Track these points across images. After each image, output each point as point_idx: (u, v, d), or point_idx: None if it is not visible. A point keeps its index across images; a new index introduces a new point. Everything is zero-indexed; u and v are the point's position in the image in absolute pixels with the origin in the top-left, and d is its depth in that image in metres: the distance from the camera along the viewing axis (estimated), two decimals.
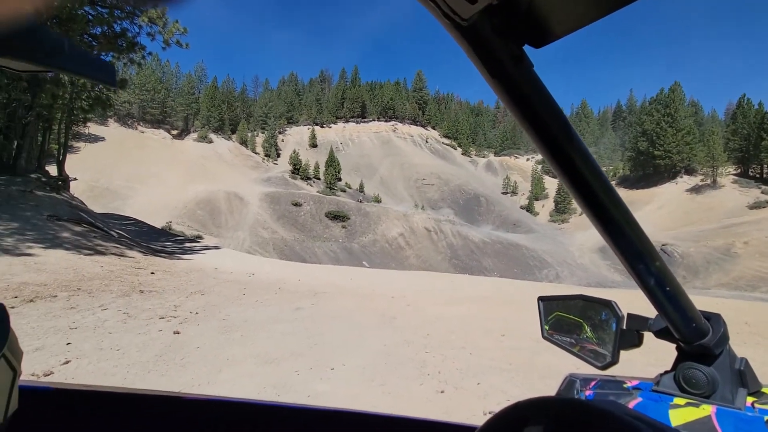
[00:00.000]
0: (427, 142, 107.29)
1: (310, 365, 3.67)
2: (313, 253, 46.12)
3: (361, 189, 75.85)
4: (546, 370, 3.94)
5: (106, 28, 14.44)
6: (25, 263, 6.98)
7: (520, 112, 0.46)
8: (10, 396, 0.37)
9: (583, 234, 59.12)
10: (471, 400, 3.22)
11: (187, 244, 16.27)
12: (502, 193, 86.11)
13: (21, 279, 6.25)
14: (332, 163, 77.35)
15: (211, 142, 76.39)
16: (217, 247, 16.84)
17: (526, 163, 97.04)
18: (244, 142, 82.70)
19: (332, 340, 4.52)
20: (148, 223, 21.48)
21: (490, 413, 2.98)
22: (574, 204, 69.57)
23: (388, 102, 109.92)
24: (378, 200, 70.08)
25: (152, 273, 8.34)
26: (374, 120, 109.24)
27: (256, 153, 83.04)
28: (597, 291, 12.85)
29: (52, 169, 16.37)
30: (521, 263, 51.85)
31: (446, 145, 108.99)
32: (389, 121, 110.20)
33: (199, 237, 32.33)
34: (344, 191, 73.91)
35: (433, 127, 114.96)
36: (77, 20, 12.71)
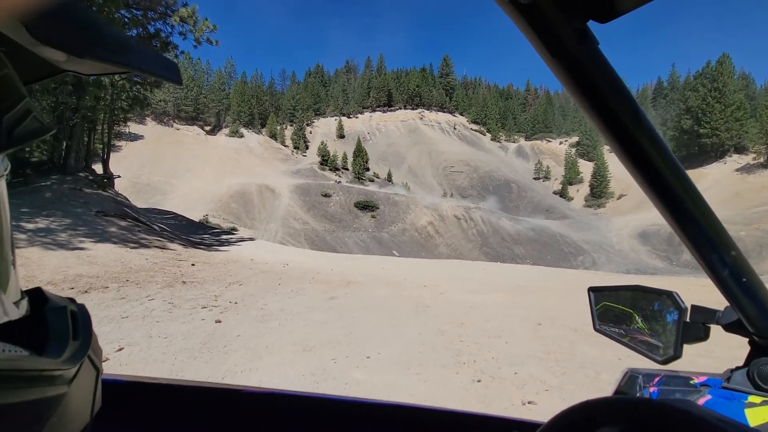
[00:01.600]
0: (455, 128, 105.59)
1: (347, 353, 3.74)
2: (343, 243, 46.75)
3: (389, 178, 75.83)
4: (586, 361, 3.84)
5: (141, 29, 14.98)
6: (79, 256, 7.46)
7: (584, 94, 0.43)
8: (95, 395, 0.37)
9: (622, 219, 56.73)
10: (509, 390, 3.19)
11: (224, 237, 16.87)
12: (534, 178, 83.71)
13: (76, 271, 6.69)
14: (360, 153, 77.58)
15: (242, 136, 78.33)
16: (251, 239, 17.36)
17: (559, 146, 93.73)
18: (273, 135, 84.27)
19: (367, 328, 4.58)
20: (187, 216, 22.39)
21: (529, 403, 2.94)
22: (612, 188, 66.72)
23: (414, 89, 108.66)
24: (405, 186, 69.83)
25: (193, 264, 8.72)
26: (401, 108, 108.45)
27: (285, 146, 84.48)
28: (638, 278, 12.34)
29: (98, 168, 17.32)
30: (555, 250, 50.49)
31: (475, 131, 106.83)
32: (416, 109, 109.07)
33: (234, 229, 33.40)
34: (372, 181, 74.16)
35: (461, 113, 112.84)
36: (115, 24, 13.23)
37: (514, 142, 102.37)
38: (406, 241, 51.91)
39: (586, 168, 74.58)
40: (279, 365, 3.42)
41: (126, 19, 14.24)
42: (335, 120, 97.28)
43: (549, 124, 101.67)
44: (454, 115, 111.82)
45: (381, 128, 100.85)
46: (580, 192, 73.15)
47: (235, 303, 5.70)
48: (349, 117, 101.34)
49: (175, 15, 14.77)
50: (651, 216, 49.42)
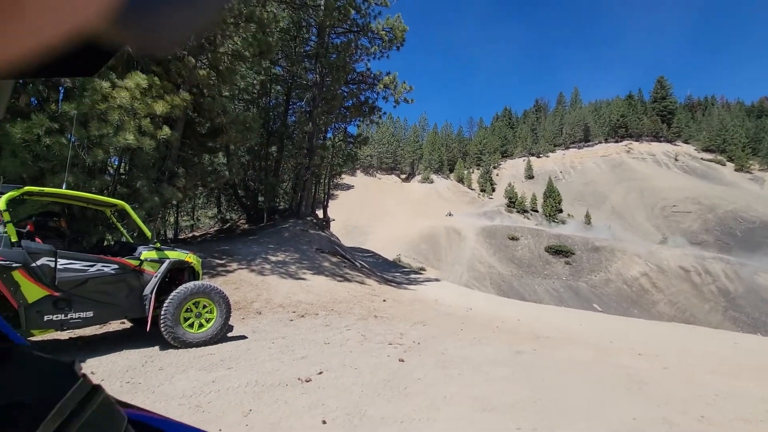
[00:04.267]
0: (676, 159, 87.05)
1: (534, 425, 3.21)
2: (532, 290, 43.12)
3: (587, 220, 67.22)
4: None
5: (355, 99, 18.20)
6: (301, 285, 9.10)
7: None
8: None
9: None
10: None
11: (412, 276, 17.91)
12: None
13: (298, 298, 8.14)
14: (551, 193, 72.11)
15: (432, 182, 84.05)
16: (437, 280, 17.85)
17: None
18: (460, 180, 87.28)
19: (561, 397, 3.89)
20: (382, 255, 24.92)
21: None
22: None
23: (617, 120, 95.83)
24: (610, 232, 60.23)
25: (384, 300, 9.45)
26: (600, 142, 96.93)
27: (471, 189, 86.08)
28: None
29: (320, 213, 21.28)
30: None
31: (707, 161, 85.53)
32: (620, 141, 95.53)
33: (422, 269, 35.25)
34: (566, 223, 67.19)
35: (686, 141, 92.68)
36: (337, 98, 16.51)
37: None
38: (611, 293, 44.07)
39: None
40: (457, 421, 3.19)
41: (345, 93, 17.59)
42: (523, 161, 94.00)
43: None
44: (675, 144, 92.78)
45: (576, 166, 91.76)
46: None
47: (418, 344, 5.79)
48: (538, 157, 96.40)
49: (380, 83, 17.40)
50: None
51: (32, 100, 7.52)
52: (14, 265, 3.58)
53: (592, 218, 67.51)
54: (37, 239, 4.14)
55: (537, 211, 73.28)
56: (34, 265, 3.71)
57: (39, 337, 4.06)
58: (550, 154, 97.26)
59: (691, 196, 69.90)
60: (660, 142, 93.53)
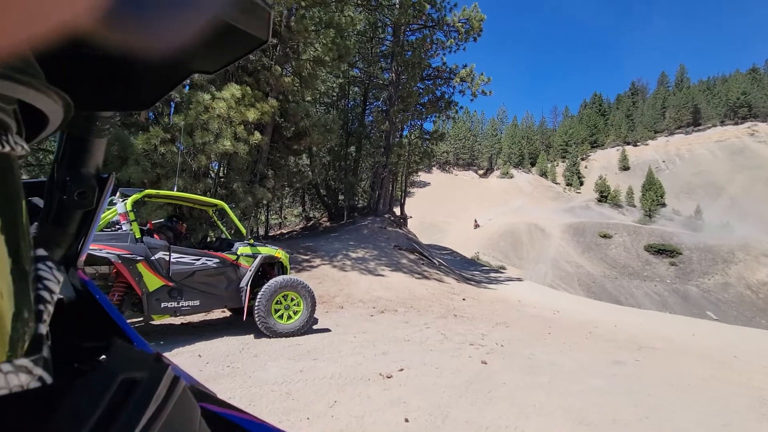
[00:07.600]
0: None
1: None
2: (629, 293, 38.97)
3: (698, 215, 58.87)
4: None
5: (431, 95, 18.03)
6: (380, 282, 9.25)
7: None
8: None
9: None
10: None
11: (492, 274, 17.26)
12: None
13: (377, 294, 8.29)
14: (652, 185, 64.47)
15: (511, 177, 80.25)
16: (519, 279, 16.98)
17: None
18: (543, 174, 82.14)
19: (673, 416, 3.41)
20: (460, 253, 24.40)
21: None
22: None
23: (737, 98, 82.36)
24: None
25: (463, 299, 9.23)
26: (715, 125, 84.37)
27: (556, 183, 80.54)
28: None
29: (397, 210, 21.49)
30: None
31: None
32: (741, 123, 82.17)
33: (503, 267, 33.78)
34: (670, 219, 59.58)
35: None
36: (413, 95, 16.50)
37: None
38: (731, 300, 38.11)
39: None
40: None
41: (420, 90, 17.50)
42: (617, 151, 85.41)
43: None
44: None
45: (683, 154, 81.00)
46: None
47: (501, 346, 5.53)
48: (635, 145, 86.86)
49: (456, 77, 17.01)
50: None
51: (150, 114, 8.66)
52: (138, 258, 4.15)
53: (704, 213, 58.93)
54: (156, 236, 4.74)
55: (634, 206, 66.06)
56: (153, 258, 4.26)
57: (157, 322, 4.64)
58: (650, 141, 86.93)
59: None
60: None
